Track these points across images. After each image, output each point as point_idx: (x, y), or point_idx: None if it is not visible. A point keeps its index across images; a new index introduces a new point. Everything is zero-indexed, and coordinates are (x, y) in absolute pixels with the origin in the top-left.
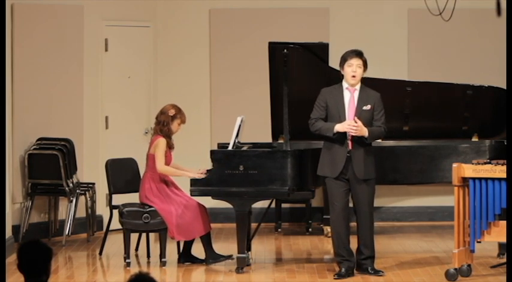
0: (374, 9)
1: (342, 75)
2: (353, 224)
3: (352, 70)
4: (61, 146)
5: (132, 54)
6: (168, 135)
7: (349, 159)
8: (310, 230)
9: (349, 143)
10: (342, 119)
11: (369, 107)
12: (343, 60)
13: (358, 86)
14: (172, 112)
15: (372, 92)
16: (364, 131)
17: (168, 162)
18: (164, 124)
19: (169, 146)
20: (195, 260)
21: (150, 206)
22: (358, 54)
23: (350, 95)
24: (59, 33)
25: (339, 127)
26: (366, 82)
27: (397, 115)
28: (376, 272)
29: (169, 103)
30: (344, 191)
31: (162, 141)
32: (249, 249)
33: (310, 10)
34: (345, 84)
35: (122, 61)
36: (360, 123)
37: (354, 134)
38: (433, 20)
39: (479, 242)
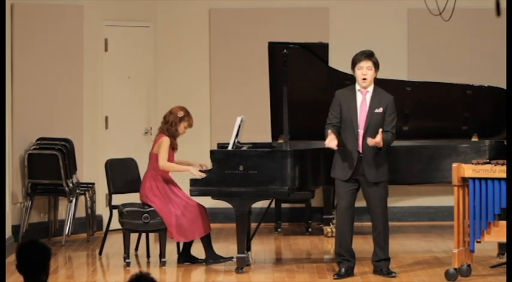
0: (374, 9)
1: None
2: (358, 224)
3: (362, 73)
4: (61, 146)
5: (132, 54)
6: (173, 136)
7: (360, 161)
8: (310, 230)
9: (360, 145)
10: (353, 122)
11: (381, 109)
12: (353, 63)
13: (370, 88)
14: (181, 114)
15: (386, 94)
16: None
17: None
18: (172, 124)
19: (173, 147)
20: (194, 260)
21: (150, 206)
22: (368, 56)
23: (362, 97)
24: (59, 33)
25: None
26: None
27: (397, 115)
28: (389, 274)
29: (178, 105)
30: (351, 190)
31: (166, 140)
32: (248, 249)
33: (310, 10)
34: (357, 87)
35: (121, 61)
36: (378, 139)
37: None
38: (433, 20)
39: (479, 242)
